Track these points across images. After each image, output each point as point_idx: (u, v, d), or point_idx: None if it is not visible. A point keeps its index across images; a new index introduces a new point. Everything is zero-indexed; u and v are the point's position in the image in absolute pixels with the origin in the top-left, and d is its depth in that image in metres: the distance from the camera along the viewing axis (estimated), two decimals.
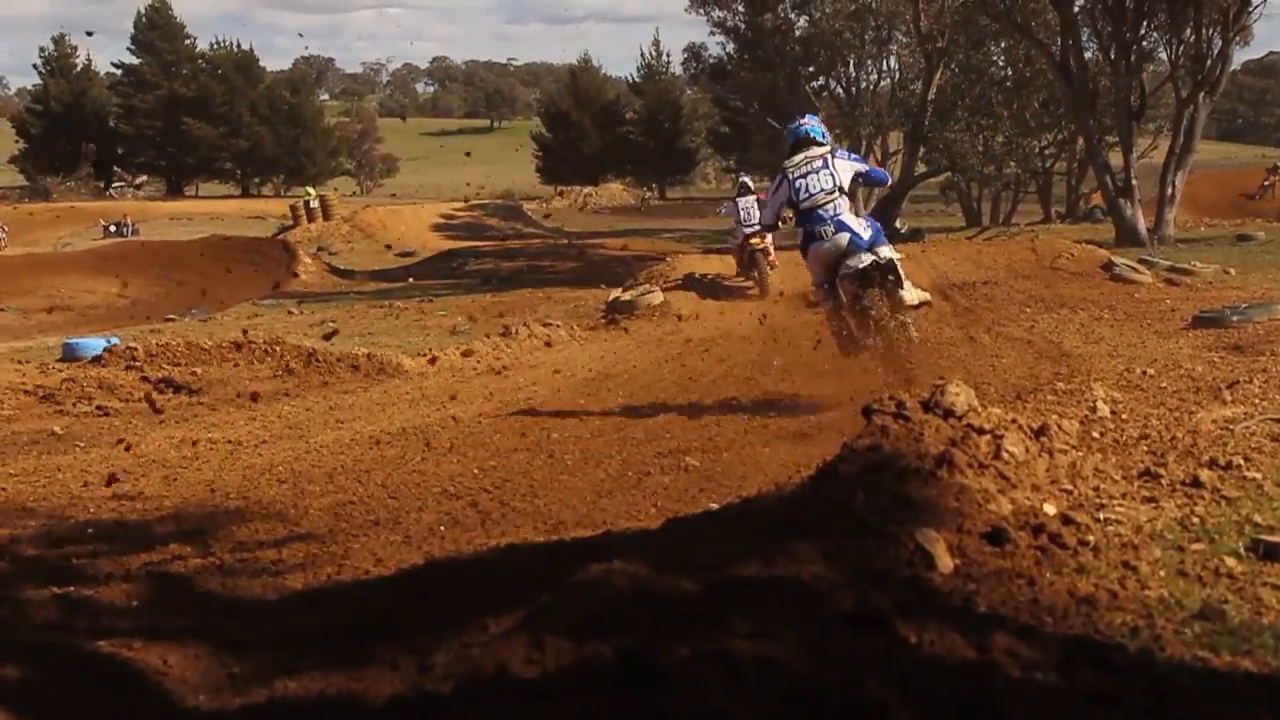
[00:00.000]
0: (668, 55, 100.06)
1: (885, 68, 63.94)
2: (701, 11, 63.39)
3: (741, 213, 25.83)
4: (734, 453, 10.39)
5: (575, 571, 4.64)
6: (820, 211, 11.73)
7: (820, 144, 12.15)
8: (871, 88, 64.13)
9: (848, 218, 11.74)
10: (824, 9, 58.05)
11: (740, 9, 62.20)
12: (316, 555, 7.62)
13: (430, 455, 10.75)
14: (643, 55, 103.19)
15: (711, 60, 67.67)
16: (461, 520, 8.43)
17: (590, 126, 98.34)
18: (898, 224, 46.40)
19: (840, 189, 11.78)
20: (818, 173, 11.82)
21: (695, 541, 5.34)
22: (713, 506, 7.44)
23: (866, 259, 11.51)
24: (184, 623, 6.25)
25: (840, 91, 65.17)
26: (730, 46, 65.35)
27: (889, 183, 12.11)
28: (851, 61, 63.05)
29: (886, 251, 11.64)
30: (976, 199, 59.77)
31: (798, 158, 12.02)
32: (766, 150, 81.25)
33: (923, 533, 4.71)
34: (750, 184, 27.04)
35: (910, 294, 11.76)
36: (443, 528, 8.23)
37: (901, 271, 11.70)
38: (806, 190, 11.81)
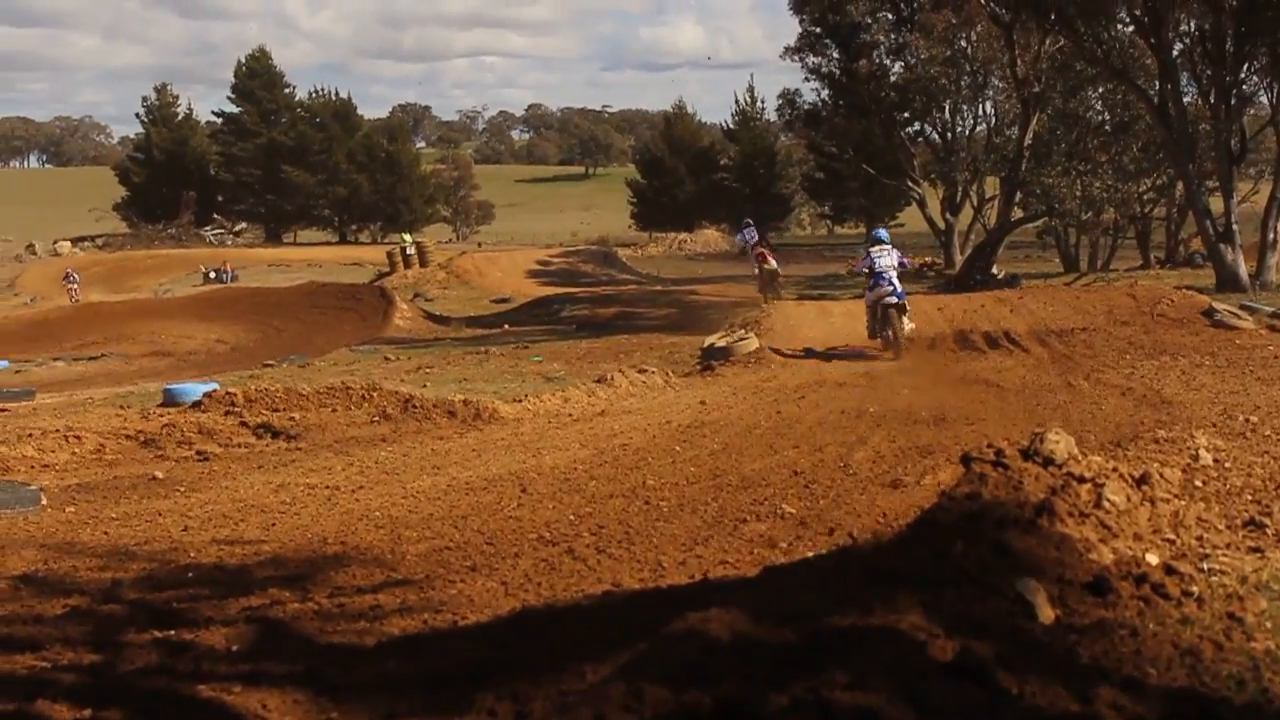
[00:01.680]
0: (762, 102, 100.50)
1: (981, 113, 63.89)
2: (796, 58, 63.46)
3: (750, 237, 37.17)
4: (830, 500, 10.34)
5: (672, 619, 4.64)
6: (883, 274, 22.00)
7: (886, 244, 22.69)
8: (968, 133, 64.00)
9: (895, 282, 21.97)
10: (919, 55, 57.86)
11: (835, 55, 62.17)
12: (413, 601, 7.65)
13: (527, 501, 10.78)
14: (737, 101, 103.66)
15: (806, 106, 67.56)
16: (558, 567, 8.45)
17: (685, 173, 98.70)
18: (994, 269, 46.00)
19: (893, 266, 22.08)
20: (884, 256, 22.25)
21: (793, 590, 5.32)
22: (810, 554, 7.40)
23: (899, 301, 21.78)
24: (283, 668, 6.30)
25: (936, 137, 65.07)
26: (825, 93, 65.26)
27: (908, 267, 24.29)
28: (947, 107, 62.97)
29: (904, 299, 22.04)
30: (1074, 245, 59.08)
31: (875, 248, 22.56)
32: (861, 196, 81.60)
33: (1023, 582, 4.67)
34: (750, 221, 39.54)
35: (908, 325, 21.97)
36: (539, 574, 8.25)
37: (909, 310, 22.27)
38: (879, 264, 22.11)
